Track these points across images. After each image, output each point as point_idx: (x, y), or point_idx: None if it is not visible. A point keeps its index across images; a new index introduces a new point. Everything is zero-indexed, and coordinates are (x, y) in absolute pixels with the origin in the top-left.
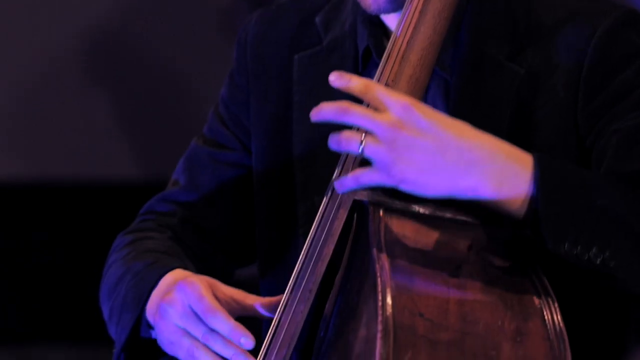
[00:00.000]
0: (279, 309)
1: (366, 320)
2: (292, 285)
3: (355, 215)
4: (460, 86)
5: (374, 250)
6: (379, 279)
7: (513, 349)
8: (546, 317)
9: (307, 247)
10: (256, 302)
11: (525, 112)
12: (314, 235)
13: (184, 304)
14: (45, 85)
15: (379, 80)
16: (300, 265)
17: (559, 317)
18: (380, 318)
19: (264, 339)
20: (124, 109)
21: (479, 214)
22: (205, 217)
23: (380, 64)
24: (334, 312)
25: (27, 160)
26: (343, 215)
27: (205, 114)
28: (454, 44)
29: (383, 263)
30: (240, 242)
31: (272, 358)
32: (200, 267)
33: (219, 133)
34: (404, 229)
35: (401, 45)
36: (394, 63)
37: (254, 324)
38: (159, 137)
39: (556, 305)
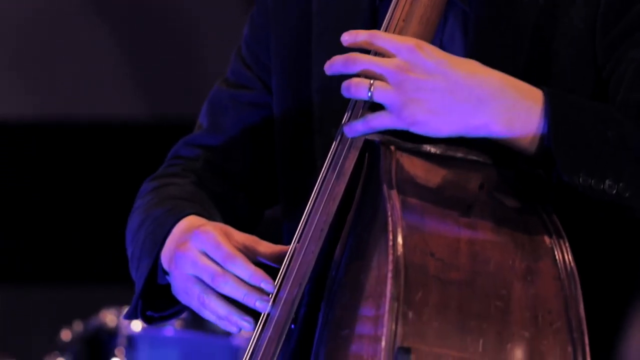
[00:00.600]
0: (290, 247)
1: (377, 259)
2: (303, 225)
3: (366, 155)
4: (479, 18)
5: (385, 190)
6: (390, 219)
7: (524, 288)
8: (557, 257)
9: (318, 187)
10: (268, 249)
11: (544, 43)
12: (325, 175)
13: (198, 251)
14: (51, 25)
15: (389, 22)
16: (312, 204)
17: (570, 256)
18: (391, 257)
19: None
20: (129, 49)
21: (490, 153)
22: (228, 158)
23: (391, 5)
24: (345, 251)
25: (33, 100)
26: (354, 155)
27: (209, 55)
28: None
29: (394, 202)
30: (264, 183)
31: (284, 297)
32: (224, 211)
33: (241, 75)
34: (415, 169)
35: None
36: (404, 4)
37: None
38: (164, 77)
39: (567, 245)
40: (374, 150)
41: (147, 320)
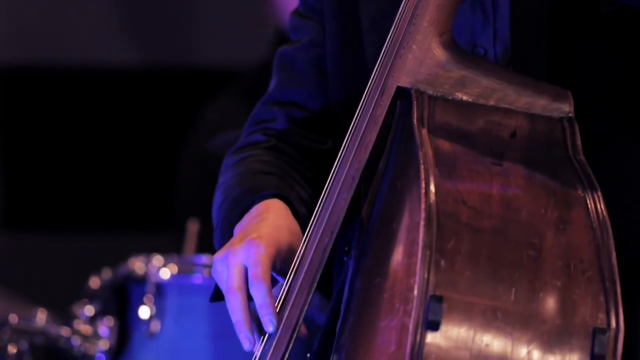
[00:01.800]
0: (322, 195)
1: (409, 208)
2: (334, 172)
3: (398, 102)
4: None
5: (417, 137)
6: (422, 167)
7: (556, 237)
8: (589, 206)
9: (350, 135)
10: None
11: None
12: (357, 123)
13: (239, 261)
14: None
15: None
16: (343, 152)
17: (602, 206)
18: (423, 205)
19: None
20: None
21: (524, 100)
22: (308, 102)
23: None
24: (376, 200)
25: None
26: (386, 103)
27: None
28: None
29: (426, 150)
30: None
31: (315, 244)
32: (308, 166)
33: (300, 28)
34: (447, 116)
35: None
36: None
37: None
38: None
39: (599, 194)
40: (405, 97)
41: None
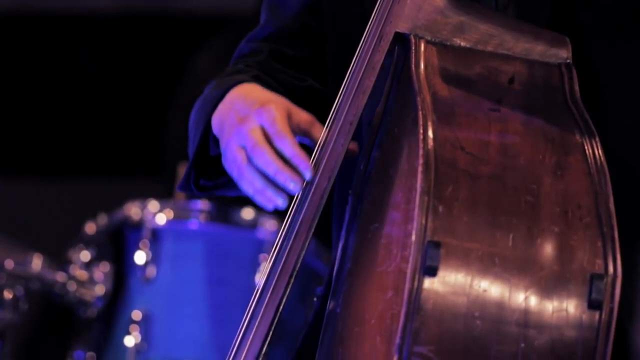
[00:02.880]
0: (319, 141)
1: (407, 153)
2: (332, 118)
3: (396, 48)
4: None
5: (415, 83)
6: (420, 112)
7: (554, 183)
8: (587, 152)
9: (348, 80)
10: (320, 132)
11: None
12: (355, 68)
13: (255, 124)
14: None
15: None
16: (341, 97)
17: (599, 152)
18: (421, 151)
19: None
20: None
21: (522, 46)
22: (292, 43)
23: None
24: (374, 145)
25: None
26: (384, 48)
27: None
28: None
29: (424, 96)
30: (320, 67)
31: (313, 188)
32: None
33: None
34: (445, 62)
35: None
36: None
37: None
38: None
39: (597, 140)
40: (403, 43)
41: (200, 189)
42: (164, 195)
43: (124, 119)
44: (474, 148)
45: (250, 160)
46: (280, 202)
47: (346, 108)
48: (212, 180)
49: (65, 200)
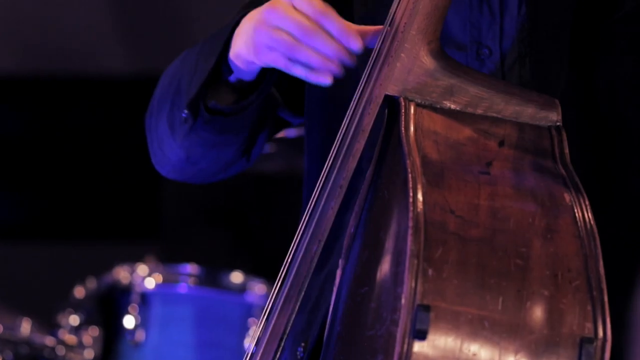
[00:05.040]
0: (309, 204)
1: (397, 216)
2: (322, 181)
3: (386, 110)
4: None
5: (405, 146)
6: (409, 175)
7: (544, 246)
8: (577, 214)
9: (338, 143)
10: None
11: None
12: (345, 131)
13: (289, 6)
14: None
15: None
16: (331, 160)
17: (589, 214)
18: (411, 214)
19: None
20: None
21: (512, 109)
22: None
23: None
24: (364, 208)
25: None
26: (374, 111)
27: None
28: None
29: (414, 159)
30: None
31: (302, 252)
32: None
33: None
34: (435, 125)
35: None
36: None
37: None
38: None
39: (587, 202)
40: (393, 105)
41: (209, 112)
42: (158, 259)
43: (114, 181)
44: (463, 211)
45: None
46: (347, 60)
47: (336, 171)
48: (224, 105)
49: (53, 264)
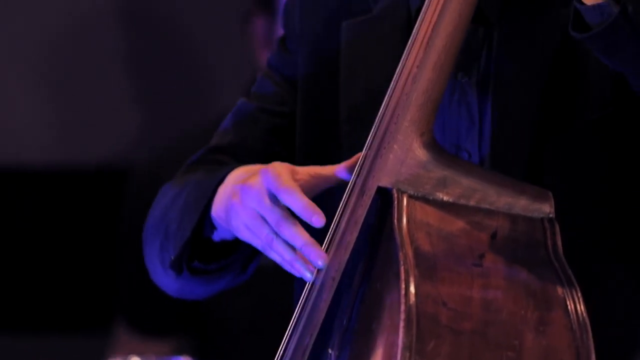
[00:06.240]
0: (302, 296)
1: (389, 308)
2: (314, 273)
3: (379, 202)
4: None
5: (398, 238)
6: (402, 267)
7: (536, 339)
8: (569, 307)
9: (330, 234)
10: (334, 169)
11: (572, 56)
12: (337, 222)
13: (264, 187)
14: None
15: (402, 69)
16: (324, 251)
17: (582, 307)
18: (403, 307)
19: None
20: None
21: (504, 201)
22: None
23: (406, 49)
24: (357, 299)
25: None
26: (367, 203)
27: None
28: None
29: (407, 251)
30: None
31: (294, 346)
32: None
33: (269, 90)
34: (427, 217)
35: (426, 31)
36: (418, 50)
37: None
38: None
39: (579, 295)
40: (386, 197)
41: (192, 271)
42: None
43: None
44: (456, 303)
45: (277, 233)
46: (308, 275)
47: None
48: (206, 264)
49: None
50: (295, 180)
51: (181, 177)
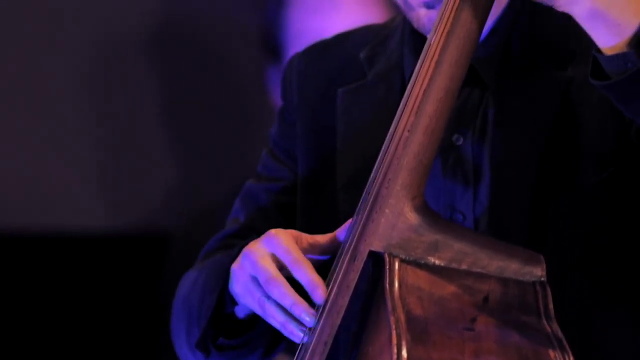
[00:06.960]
0: None
1: None
2: (307, 337)
3: (370, 265)
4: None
5: (389, 302)
6: (394, 332)
7: None
8: None
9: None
10: (332, 237)
11: (571, 112)
12: (329, 286)
13: (265, 252)
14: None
15: (395, 131)
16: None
17: None
18: None
19: None
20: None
21: (496, 264)
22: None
23: (397, 113)
24: None
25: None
26: (358, 267)
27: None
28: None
29: (398, 315)
30: None
31: None
32: None
33: (273, 168)
34: (419, 281)
35: (417, 95)
36: (409, 114)
37: None
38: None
39: (571, 357)
40: (378, 261)
41: (218, 348)
42: None
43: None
44: None
45: (267, 294)
46: (300, 335)
47: (320, 327)
48: (232, 340)
49: None
50: (301, 248)
51: (199, 263)
